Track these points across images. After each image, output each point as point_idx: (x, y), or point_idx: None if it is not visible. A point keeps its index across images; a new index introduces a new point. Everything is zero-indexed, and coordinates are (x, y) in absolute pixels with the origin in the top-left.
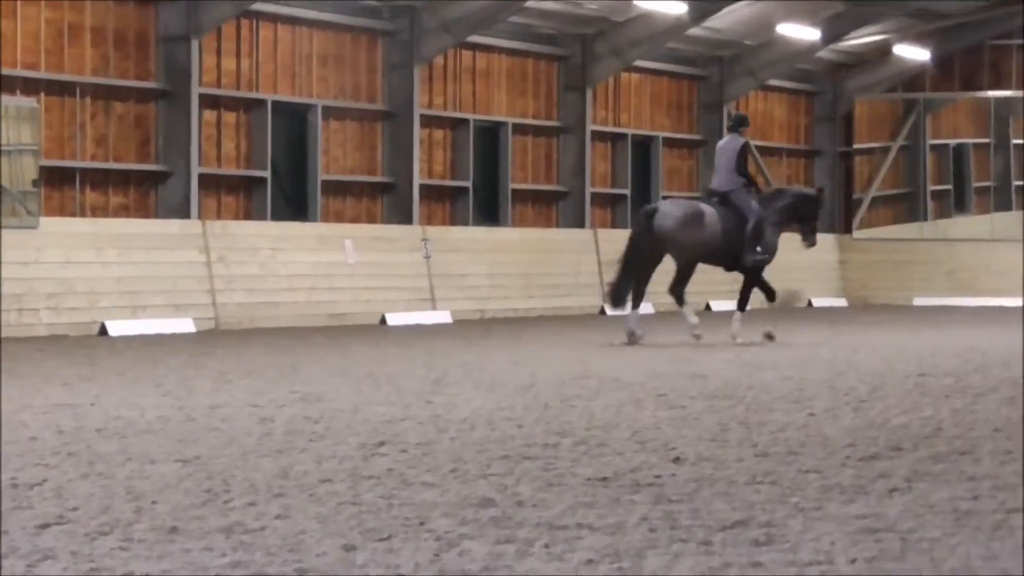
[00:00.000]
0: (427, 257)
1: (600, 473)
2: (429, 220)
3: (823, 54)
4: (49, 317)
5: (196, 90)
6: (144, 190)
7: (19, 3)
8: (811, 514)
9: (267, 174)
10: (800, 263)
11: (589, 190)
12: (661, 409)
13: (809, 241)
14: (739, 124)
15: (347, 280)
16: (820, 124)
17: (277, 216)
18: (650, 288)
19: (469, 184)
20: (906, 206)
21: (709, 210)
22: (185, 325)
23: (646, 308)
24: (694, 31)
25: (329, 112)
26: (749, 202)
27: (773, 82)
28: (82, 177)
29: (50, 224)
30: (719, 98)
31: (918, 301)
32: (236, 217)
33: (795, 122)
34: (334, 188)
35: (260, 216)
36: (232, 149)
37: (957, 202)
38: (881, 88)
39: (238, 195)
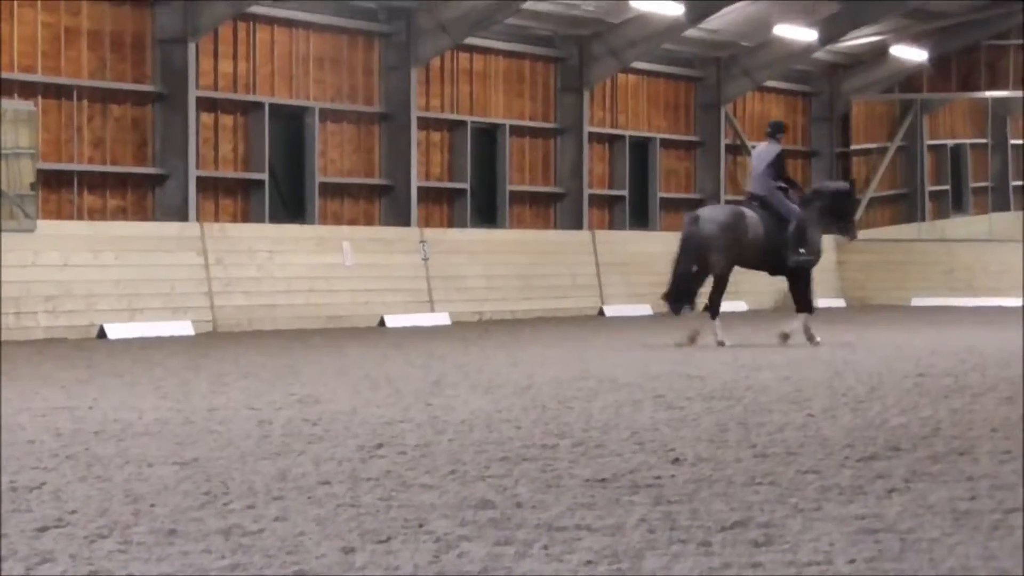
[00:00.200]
0: (425, 259)
1: (599, 474)
2: (427, 222)
3: (820, 55)
4: (47, 320)
5: (193, 93)
6: (142, 193)
7: (16, 6)
8: (810, 514)
9: (265, 176)
10: None
11: (587, 191)
12: (660, 410)
13: (850, 235)
14: (777, 131)
15: (345, 282)
16: (817, 125)
17: (275, 218)
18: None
19: (467, 186)
20: (904, 206)
21: (751, 214)
22: (183, 328)
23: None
24: (691, 32)
25: (326, 114)
26: (788, 204)
27: (770, 83)
28: (80, 180)
29: (48, 227)
30: (716, 99)
31: (916, 301)
32: (234, 219)
33: (792, 123)
34: (332, 190)
35: (258, 218)
36: (229, 151)
37: (955, 202)
38: (878, 88)
39: (236, 198)
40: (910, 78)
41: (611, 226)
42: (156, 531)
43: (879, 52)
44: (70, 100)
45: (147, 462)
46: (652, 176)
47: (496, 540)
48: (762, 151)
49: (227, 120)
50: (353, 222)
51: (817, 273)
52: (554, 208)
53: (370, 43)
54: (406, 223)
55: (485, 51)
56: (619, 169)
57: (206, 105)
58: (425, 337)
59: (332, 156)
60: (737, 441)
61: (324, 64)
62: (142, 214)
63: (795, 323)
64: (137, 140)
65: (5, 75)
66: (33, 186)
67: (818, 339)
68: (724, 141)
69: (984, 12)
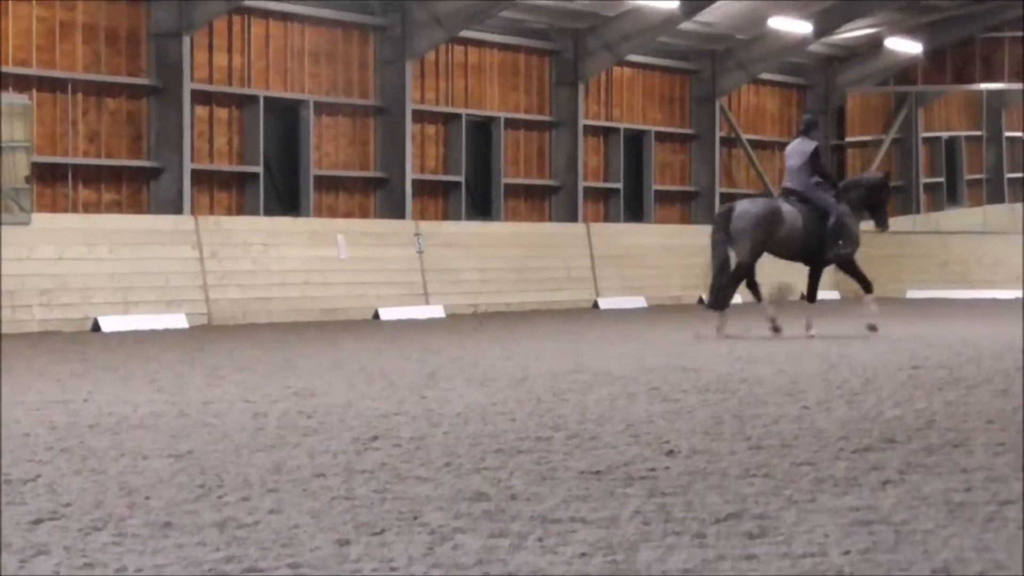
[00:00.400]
0: (420, 252)
1: (593, 466)
2: (422, 215)
3: (815, 47)
4: (42, 313)
5: (188, 86)
6: (136, 186)
7: (10, 0)
8: (804, 506)
9: (259, 170)
10: None
11: (581, 184)
12: (654, 402)
13: (883, 226)
14: (811, 128)
15: (340, 275)
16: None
17: (270, 212)
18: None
19: (462, 179)
20: (899, 199)
21: (788, 208)
22: (178, 321)
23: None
24: (686, 25)
25: (321, 108)
26: (828, 199)
27: (765, 76)
28: (74, 173)
29: (42, 220)
30: (711, 92)
31: (911, 294)
32: (228, 213)
33: (787, 115)
34: (326, 183)
35: (252, 212)
36: (224, 145)
37: (949, 195)
38: (873, 81)
39: (230, 191)
40: (905, 71)
41: (606, 219)
42: (151, 524)
43: (874, 45)
44: (65, 94)
45: (142, 455)
46: (647, 169)
47: (491, 532)
48: (796, 147)
49: (222, 113)
50: (348, 215)
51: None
52: (549, 201)
53: (365, 36)
54: (401, 216)
55: (480, 44)
56: (614, 162)
57: (201, 98)
58: (420, 330)
59: (327, 149)
60: (732, 433)
61: (319, 57)
62: (137, 207)
63: (872, 306)
64: (132, 134)
65: (0, 68)
66: (28, 179)
67: (875, 312)
68: (719, 134)
69: (979, 5)
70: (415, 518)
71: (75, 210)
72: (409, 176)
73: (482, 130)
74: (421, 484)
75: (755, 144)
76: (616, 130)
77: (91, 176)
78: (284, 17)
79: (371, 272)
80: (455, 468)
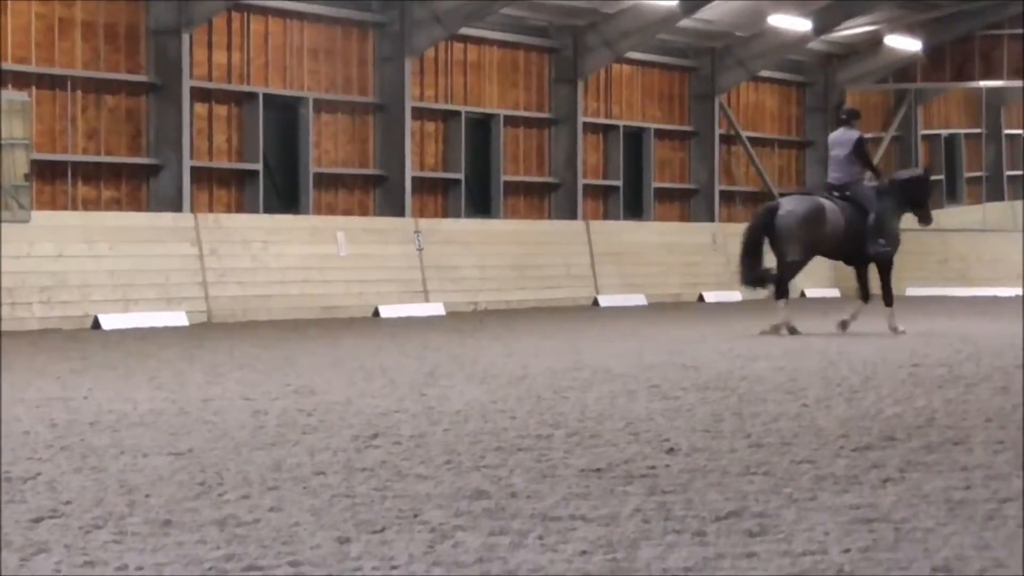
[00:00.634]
0: (419, 249)
1: (593, 464)
2: (421, 212)
3: (814, 45)
4: (41, 311)
5: (187, 83)
6: (136, 183)
7: None
8: (804, 504)
9: (259, 167)
10: None
11: (581, 182)
12: (654, 400)
13: (926, 221)
14: (852, 117)
15: (339, 272)
16: (811, 115)
17: (269, 209)
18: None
19: (461, 176)
20: None
21: (830, 206)
22: (178, 318)
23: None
24: (685, 22)
25: (320, 105)
26: (869, 195)
27: (764, 73)
28: (74, 170)
29: (42, 218)
30: (710, 89)
31: (910, 291)
32: (228, 210)
33: (786, 113)
34: (326, 181)
35: (252, 209)
36: (223, 142)
37: (949, 192)
38: (872, 78)
39: (230, 188)
40: (904, 68)
41: (605, 216)
42: (151, 521)
43: (873, 42)
44: (64, 91)
45: (142, 452)
46: (646, 166)
47: (491, 530)
48: (839, 137)
49: (221, 110)
50: (347, 212)
51: (812, 263)
52: (548, 198)
53: (364, 33)
54: (400, 213)
55: (479, 41)
56: (613, 159)
57: (200, 95)
58: (420, 327)
59: (326, 146)
60: (732, 431)
61: (318, 54)
62: (136, 205)
63: (892, 319)
64: (131, 131)
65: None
66: (27, 177)
67: (902, 328)
68: (718, 131)
69: (978, 2)
70: (415, 516)
71: (75, 207)
72: (408, 173)
73: (481, 127)
74: (421, 482)
75: (754, 141)
76: (615, 127)
77: (90, 173)
78: (283, 14)
79: (371, 269)
80: (455, 466)
